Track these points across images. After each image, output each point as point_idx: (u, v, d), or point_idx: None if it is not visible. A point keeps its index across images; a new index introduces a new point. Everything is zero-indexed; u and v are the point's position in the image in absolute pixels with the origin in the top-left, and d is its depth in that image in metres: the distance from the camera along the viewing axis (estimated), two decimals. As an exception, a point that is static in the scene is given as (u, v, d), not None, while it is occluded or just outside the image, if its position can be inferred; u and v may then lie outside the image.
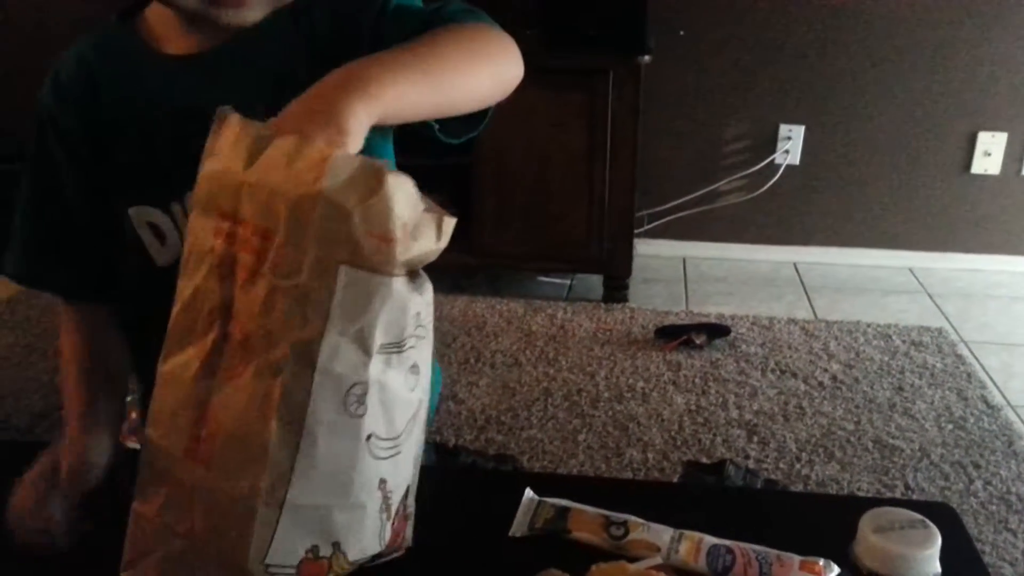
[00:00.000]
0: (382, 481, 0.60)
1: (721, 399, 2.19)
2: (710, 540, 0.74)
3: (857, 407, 2.17)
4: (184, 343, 0.58)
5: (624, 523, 0.75)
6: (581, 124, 2.57)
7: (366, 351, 0.56)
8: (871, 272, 3.06)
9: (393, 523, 0.63)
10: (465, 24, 0.80)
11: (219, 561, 0.56)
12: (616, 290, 2.80)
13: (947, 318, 2.72)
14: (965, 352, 2.48)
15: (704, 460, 1.90)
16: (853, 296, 2.88)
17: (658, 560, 0.67)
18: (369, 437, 0.58)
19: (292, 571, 0.58)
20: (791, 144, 3.02)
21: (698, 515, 0.77)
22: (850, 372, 2.34)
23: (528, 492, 0.81)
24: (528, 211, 2.68)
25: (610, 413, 2.12)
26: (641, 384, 2.27)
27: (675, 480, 1.78)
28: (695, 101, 3.02)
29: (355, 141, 0.60)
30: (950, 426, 2.09)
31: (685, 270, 3.10)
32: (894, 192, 3.05)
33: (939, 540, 0.54)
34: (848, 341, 2.52)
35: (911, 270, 3.08)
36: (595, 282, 2.83)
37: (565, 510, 0.78)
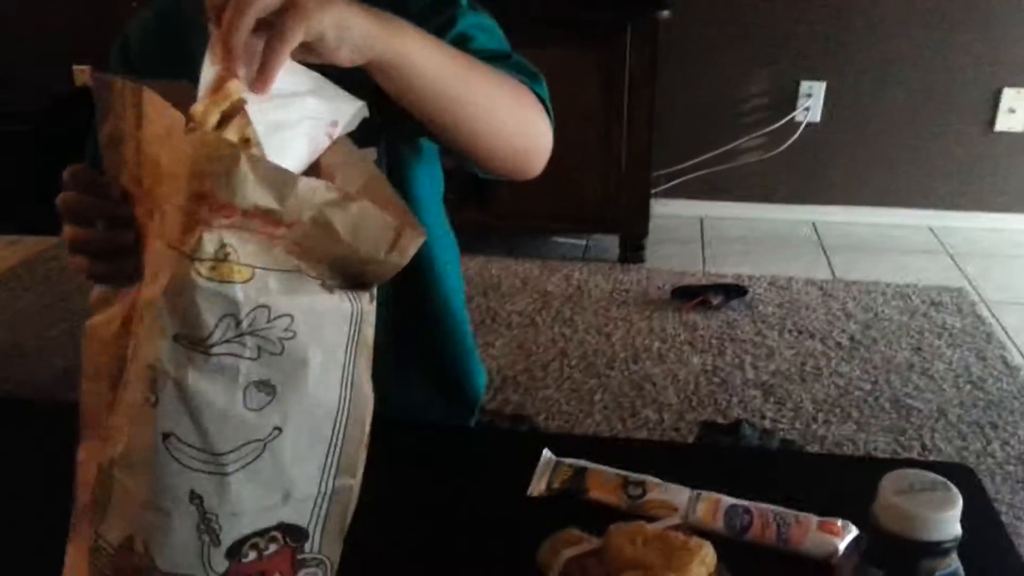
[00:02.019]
0: (196, 496, 0.54)
1: (737, 360, 2.19)
2: (728, 500, 0.74)
3: (875, 367, 2.16)
4: (112, 300, 0.59)
5: (642, 483, 0.76)
6: (597, 82, 2.54)
7: (159, 331, 0.52)
8: (891, 231, 3.03)
9: (243, 557, 0.57)
10: (516, 77, 0.79)
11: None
12: (632, 250, 2.78)
13: (967, 278, 2.69)
14: (985, 312, 2.46)
15: (720, 420, 1.91)
16: (872, 256, 2.86)
17: (676, 520, 0.67)
18: (167, 437, 0.53)
19: (112, 553, 0.57)
20: (811, 101, 2.97)
21: (715, 476, 0.77)
22: (868, 332, 2.33)
23: (546, 452, 0.81)
24: (544, 171, 2.65)
25: (626, 373, 2.13)
26: (657, 344, 2.26)
27: (691, 440, 1.79)
28: (714, 57, 2.97)
29: (308, 25, 0.56)
30: (968, 386, 2.08)
31: (702, 230, 3.08)
32: (916, 150, 3.00)
33: (960, 502, 0.53)
34: (867, 301, 2.51)
35: (931, 229, 3.04)
36: (611, 242, 2.82)
37: (583, 470, 0.78)
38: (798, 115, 2.99)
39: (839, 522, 0.71)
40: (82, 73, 3.14)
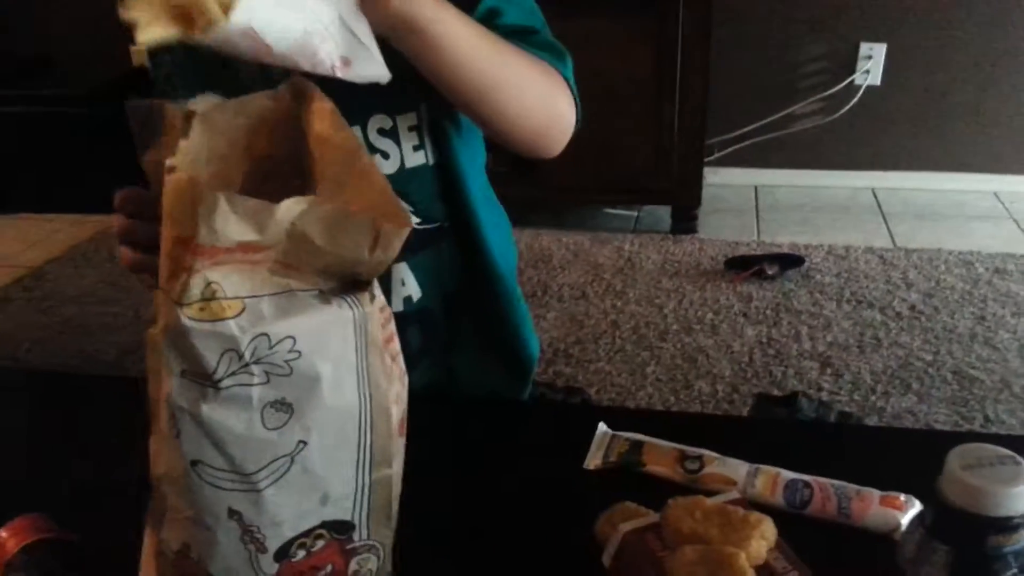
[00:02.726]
0: (234, 512, 0.56)
1: (793, 331, 2.16)
2: (787, 474, 0.73)
3: (936, 337, 2.11)
4: None
5: (699, 457, 0.75)
6: (649, 49, 2.50)
7: (167, 370, 0.53)
8: (954, 197, 2.94)
9: (291, 558, 0.59)
10: (541, 55, 0.80)
11: None
12: (685, 221, 2.75)
13: (1035, 244, 2.61)
14: (1053, 280, 2.38)
15: (775, 393, 1.88)
16: (934, 223, 2.78)
17: (735, 494, 0.67)
18: (195, 464, 0.54)
19: (172, 557, 0.59)
20: (872, 64, 2.88)
21: (773, 449, 0.76)
22: (929, 301, 2.27)
23: (601, 426, 0.81)
24: (593, 141, 2.63)
25: (679, 345, 2.11)
26: (710, 316, 2.24)
27: (745, 413, 1.77)
28: (769, 20, 2.89)
29: None
30: (1035, 357, 2.02)
31: (757, 199, 3.03)
32: (979, 113, 2.89)
33: (1031, 477, 0.52)
34: (928, 269, 2.44)
35: (996, 194, 2.94)
36: (663, 213, 2.79)
37: (639, 444, 0.78)
38: (857, 78, 2.90)
39: (902, 496, 0.70)
40: (138, 53, 3.19)
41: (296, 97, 0.64)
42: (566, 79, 0.84)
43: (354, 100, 0.72)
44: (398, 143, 0.86)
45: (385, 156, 0.86)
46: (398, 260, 0.88)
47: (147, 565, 0.62)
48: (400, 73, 0.71)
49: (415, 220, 0.92)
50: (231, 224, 0.51)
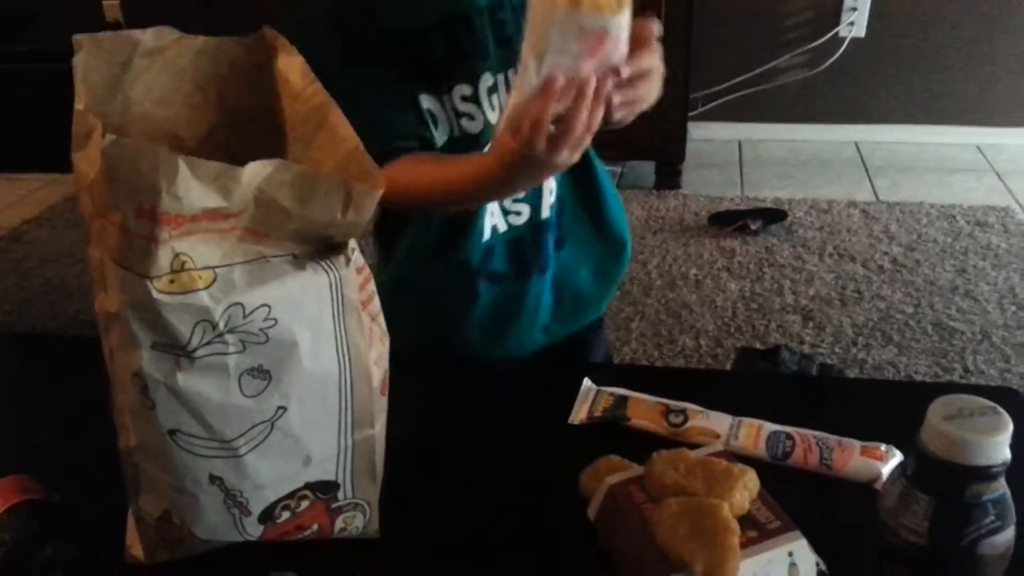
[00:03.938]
0: (215, 478, 0.56)
1: (776, 285, 2.17)
2: (770, 426, 0.74)
3: (917, 290, 2.12)
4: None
5: (683, 411, 0.76)
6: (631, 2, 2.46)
7: (134, 343, 0.52)
8: (937, 151, 2.94)
9: (276, 519, 0.60)
10: None
11: None
12: (669, 176, 2.74)
13: (1014, 196, 2.62)
14: (1033, 232, 2.40)
15: (758, 346, 1.90)
16: (917, 176, 2.78)
17: (718, 447, 0.67)
18: (173, 432, 0.54)
19: (153, 523, 0.59)
20: (856, 15, 2.85)
21: (756, 402, 0.77)
22: (911, 255, 2.29)
23: (586, 381, 0.82)
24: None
25: (663, 301, 2.12)
26: (694, 271, 2.25)
27: (728, 367, 1.79)
28: (753, -28, 2.86)
29: None
30: (1013, 308, 2.04)
31: (740, 153, 3.02)
32: (964, 65, 2.88)
33: (1010, 427, 0.53)
34: (910, 223, 2.45)
35: (979, 147, 2.95)
36: (647, 168, 2.78)
37: (623, 398, 0.78)
38: (842, 30, 2.88)
39: (882, 447, 0.71)
40: (111, 8, 3.12)
41: (267, 48, 0.62)
42: None
43: (518, 41, 0.82)
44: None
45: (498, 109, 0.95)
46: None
47: (132, 529, 0.63)
48: (507, 36, 0.91)
49: None
50: (194, 190, 0.49)
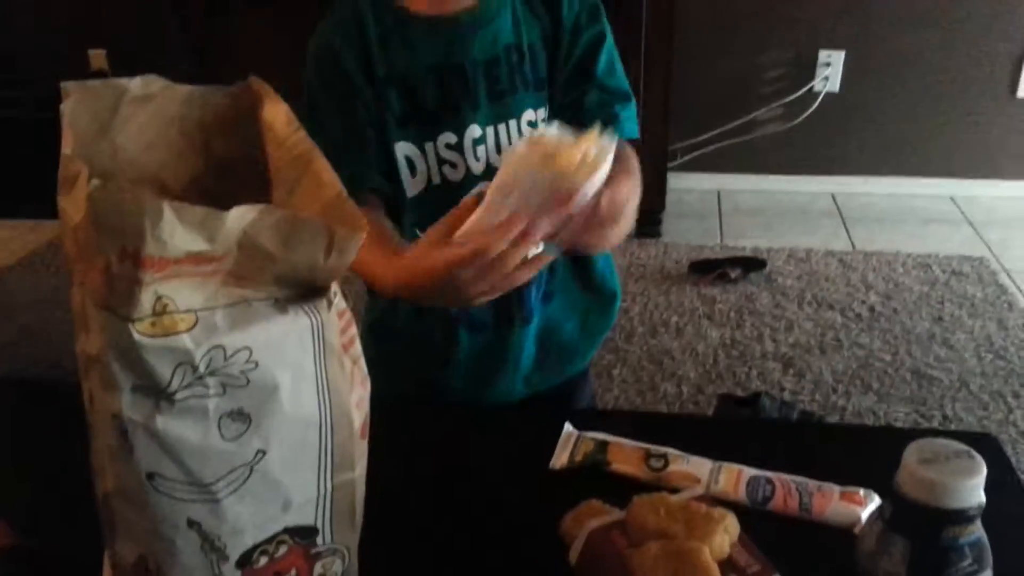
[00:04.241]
0: (193, 522, 0.55)
1: (756, 332, 2.18)
2: (750, 471, 0.74)
3: (895, 338, 2.15)
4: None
5: (664, 455, 0.76)
6: (613, 55, 2.52)
7: (113, 386, 0.51)
8: (911, 201, 3.00)
9: (254, 565, 0.58)
10: (631, 159, 0.97)
11: None
12: (649, 225, 2.77)
13: (989, 247, 2.66)
14: (1007, 281, 2.44)
15: (739, 393, 1.91)
16: (893, 226, 2.83)
17: (699, 491, 0.68)
18: (151, 476, 0.53)
19: (129, 569, 0.58)
20: (831, 71, 2.93)
21: (736, 448, 0.78)
22: (888, 303, 2.32)
23: (568, 426, 0.82)
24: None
25: (644, 348, 2.13)
26: (675, 319, 2.26)
27: (710, 413, 1.79)
28: (731, 27, 2.93)
29: None
30: (990, 356, 2.06)
31: (720, 203, 3.06)
32: (937, 118, 2.96)
33: (984, 470, 0.53)
34: (887, 272, 2.49)
35: (953, 198, 3.01)
36: (628, 217, 2.81)
37: (604, 443, 0.79)
38: (817, 84, 2.95)
39: (861, 491, 0.71)
40: (97, 57, 3.15)
41: (252, 97, 0.64)
42: (624, 119, 1.01)
43: (512, 98, 0.97)
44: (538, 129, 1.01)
45: None
46: None
47: (108, 573, 0.62)
48: (542, 78, 0.99)
49: None
50: (179, 234, 0.49)
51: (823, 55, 2.92)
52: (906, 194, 3.03)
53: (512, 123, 0.98)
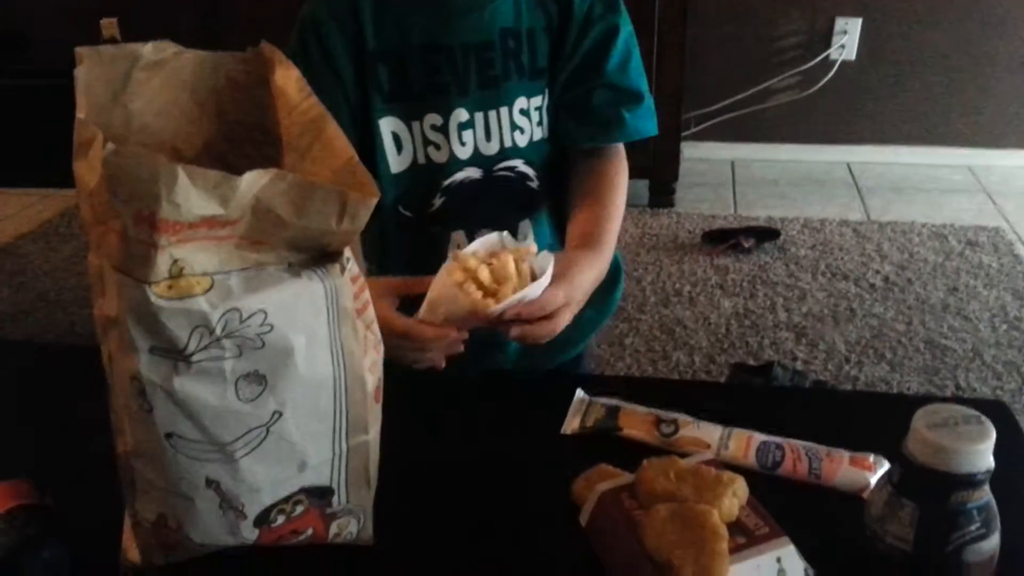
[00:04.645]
0: (211, 481, 0.57)
1: (769, 302, 2.18)
2: (760, 436, 0.74)
3: (909, 308, 2.14)
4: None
5: (674, 421, 0.77)
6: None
7: (132, 347, 0.53)
8: (928, 171, 2.97)
9: (271, 523, 0.60)
10: (622, 169, 1.02)
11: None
12: (662, 195, 2.76)
13: (1005, 217, 2.64)
14: (1022, 251, 2.42)
15: (751, 362, 1.91)
16: (909, 196, 2.81)
17: (708, 456, 0.68)
18: (170, 436, 0.55)
19: (149, 527, 0.60)
20: (847, 39, 2.89)
21: (747, 414, 0.78)
22: (903, 273, 2.30)
23: (579, 392, 0.82)
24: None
25: (656, 317, 2.13)
26: (688, 288, 2.26)
27: (722, 383, 1.79)
28: (746, -6, 2.89)
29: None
30: (1004, 326, 2.05)
31: (734, 173, 3.04)
32: (954, 87, 2.92)
33: (994, 435, 0.54)
34: (902, 242, 2.47)
35: (970, 168, 2.97)
36: (641, 187, 2.80)
37: (615, 409, 0.79)
38: (833, 53, 2.91)
39: (871, 457, 0.71)
40: (109, 26, 3.14)
41: (265, 62, 0.64)
42: (630, 119, 0.99)
43: (505, 85, 0.94)
44: (530, 120, 0.99)
45: (522, 131, 0.99)
46: (523, 218, 1.03)
47: (128, 534, 0.63)
48: (540, 67, 0.96)
49: (535, 184, 1.03)
50: (193, 198, 0.50)
51: (839, 22, 2.88)
52: (922, 164, 3.00)
53: (504, 111, 0.97)
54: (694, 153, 3.03)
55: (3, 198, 3.01)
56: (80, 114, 0.53)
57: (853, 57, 2.92)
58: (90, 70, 0.57)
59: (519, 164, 1.00)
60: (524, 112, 0.98)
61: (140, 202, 0.50)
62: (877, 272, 2.31)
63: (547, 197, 1.05)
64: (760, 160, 3.08)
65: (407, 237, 1.01)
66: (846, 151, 3.05)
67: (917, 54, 2.89)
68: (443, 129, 0.96)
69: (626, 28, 1.00)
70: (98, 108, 0.57)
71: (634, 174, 3.12)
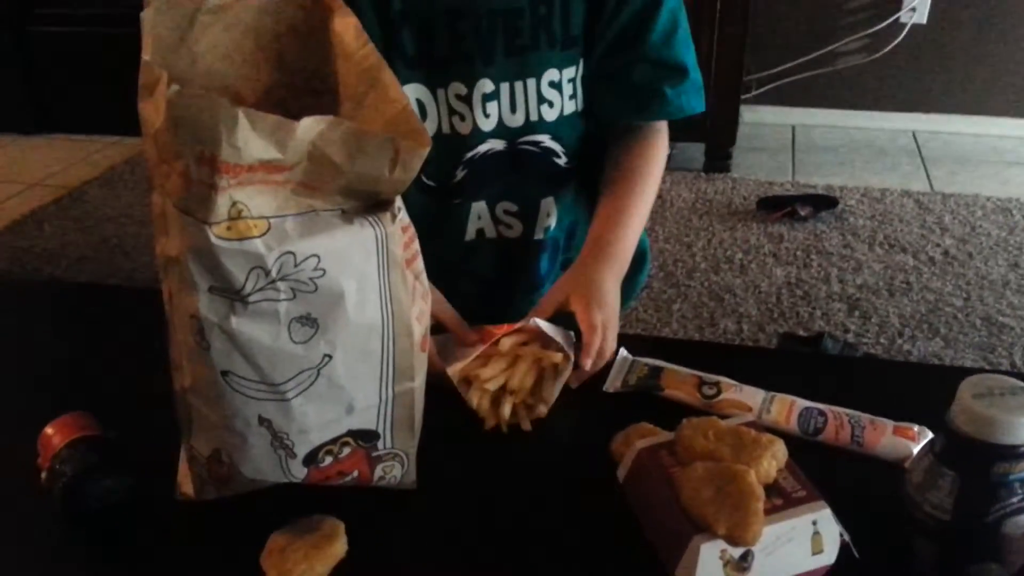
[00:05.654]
0: (264, 420, 0.59)
1: (823, 272, 2.15)
2: (803, 403, 0.74)
3: (968, 283, 2.09)
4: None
5: (717, 383, 0.77)
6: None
7: (192, 286, 0.54)
8: (996, 142, 2.87)
9: (319, 463, 0.62)
10: (660, 150, 0.99)
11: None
12: (718, 159, 2.72)
13: (1077, 193, 2.55)
14: (1093, 229, 2.34)
15: (801, 333, 1.89)
16: (974, 167, 2.72)
17: (750, 418, 0.68)
18: (225, 374, 0.57)
19: (204, 462, 0.62)
20: (919, 2, 2.79)
21: (792, 381, 0.78)
22: (964, 247, 2.24)
23: (622, 351, 0.83)
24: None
25: (705, 284, 2.11)
26: (740, 256, 2.23)
27: (770, 350, 1.78)
28: (815, -46, 2.80)
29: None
30: (1068, 306, 1.99)
31: (794, 138, 2.98)
32: (1031, 55, 2.80)
33: (1042, 409, 0.53)
34: (964, 215, 2.40)
35: (1042, 141, 2.87)
36: (696, 150, 2.76)
37: (658, 369, 0.80)
38: (903, 16, 2.81)
39: (915, 427, 0.71)
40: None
41: (324, 9, 0.64)
42: (671, 97, 0.96)
43: (534, 55, 0.90)
44: (561, 93, 0.94)
45: (551, 105, 0.94)
46: (546, 194, 1.00)
47: (184, 467, 0.66)
48: (574, 36, 0.91)
49: (563, 160, 0.99)
50: (252, 141, 0.51)
51: (913, -16, 2.78)
52: (991, 134, 2.89)
53: (531, 82, 0.93)
54: (753, 117, 2.97)
55: (69, 144, 3.09)
56: (146, 55, 0.55)
57: (924, 20, 2.81)
58: (156, 13, 0.59)
59: (546, 139, 0.96)
60: (555, 84, 0.94)
61: (202, 143, 0.51)
62: (937, 245, 2.26)
63: (576, 175, 1.02)
64: (822, 126, 3.01)
65: (429, 205, 0.98)
66: (912, 119, 2.96)
67: (990, 20, 2.77)
68: (467, 99, 0.92)
69: (672, 1, 0.95)
70: (163, 50, 0.59)
71: (690, 137, 3.07)
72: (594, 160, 1.01)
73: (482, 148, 0.95)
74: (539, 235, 1.02)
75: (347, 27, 0.63)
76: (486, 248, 1.02)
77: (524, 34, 0.90)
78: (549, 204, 1.01)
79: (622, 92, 0.96)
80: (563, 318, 0.82)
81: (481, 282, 1.03)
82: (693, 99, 0.97)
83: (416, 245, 0.63)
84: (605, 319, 0.80)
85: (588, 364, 0.77)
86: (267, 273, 0.54)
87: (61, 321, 0.98)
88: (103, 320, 0.95)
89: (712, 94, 2.66)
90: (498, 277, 1.03)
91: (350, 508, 0.65)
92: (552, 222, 1.02)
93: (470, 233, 1.00)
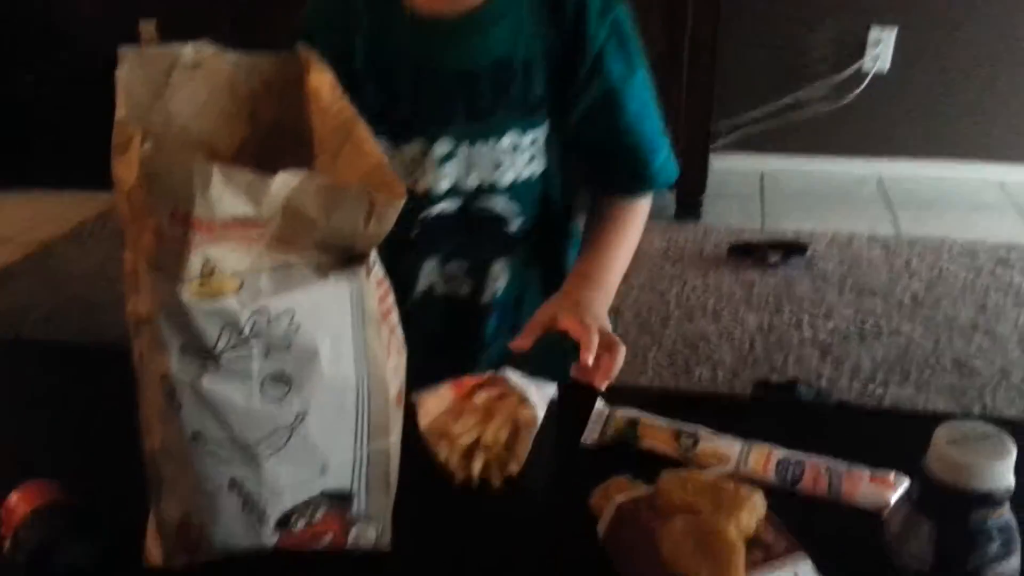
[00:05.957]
0: (235, 483, 0.58)
1: (795, 318, 2.17)
2: (780, 452, 0.74)
3: (937, 327, 2.11)
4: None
5: (694, 434, 0.77)
6: (656, 30, 2.48)
7: (163, 346, 0.54)
8: (960, 186, 2.93)
9: (292, 527, 0.61)
10: (641, 209, 1.01)
11: None
12: (689, 206, 2.75)
13: (1038, 235, 2.60)
14: (1056, 271, 2.38)
15: (775, 379, 1.90)
16: (940, 212, 2.78)
17: (728, 469, 0.68)
18: (196, 435, 0.56)
19: (173, 527, 0.61)
20: (881, 49, 2.87)
21: (768, 429, 0.78)
22: (932, 291, 2.28)
23: (599, 402, 0.83)
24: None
25: (680, 331, 2.12)
26: (712, 302, 2.25)
27: (746, 397, 1.78)
28: (778, 2, 2.88)
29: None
30: (1035, 347, 2.02)
31: (762, 185, 3.02)
32: (989, 101, 2.88)
33: (1014, 452, 0.53)
34: (931, 259, 2.44)
35: (1002, 185, 2.93)
36: (667, 198, 2.79)
37: (635, 420, 0.79)
38: (866, 64, 2.89)
39: (892, 475, 0.71)
40: (148, 31, 3.19)
41: (299, 64, 0.65)
42: (654, 173, 0.99)
43: (494, 117, 0.89)
44: (521, 157, 0.94)
45: (508, 168, 0.94)
46: (497, 256, 1.00)
47: (152, 533, 0.64)
48: (536, 99, 0.91)
49: (515, 227, 0.99)
50: (226, 197, 0.51)
51: (874, 32, 2.86)
52: (955, 179, 2.96)
53: (490, 144, 0.92)
54: (723, 165, 3.01)
55: (40, 200, 3.06)
56: (120, 113, 0.55)
57: (887, 68, 2.89)
58: (132, 70, 0.59)
59: (501, 202, 0.96)
60: (516, 147, 0.93)
61: (176, 200, 0.51)
62: (905, 289, 2.29)
63: (529, 239, 1.01)
64: (790, 172, 3.06)
65: (382, 259, 0.96)
66: (877, 165, 3.02)
67: (951, 68, 2.86)
68: (425, 158, 0.93)
69: (642, 66, 0.96)
70: (138, 107, 0.59)
71: (660, 186, 2.99)
72: (550, 225, 1.01)
73: (435, 209, 0.96)
74: (487, 298, 1.02)
75: (323, 82, 0.63)
76: (436, 305, 1.01)
77: (484, 97, 0.91)
78: (499, 267, 1.01)
79: (606, 168, 0.98)
80: (553, 340, 0.82)
81: (429, 338, 1.01)
82: (670, 168, 1.00)
83: (391, 299, 0.63)
84: (592, 316, 0.82)
85: (589, 359, 0.78)
86: (240, 331, 0.54)
87: (25, 382, 0.96)
88: (70, 380, 0.93)
89: (682, 143, 2.71)
90: (446, 334, 1.03)
91: (323, 574, 0.63)
92: (501, 285, 1.02)
93: (421, 287, 1.01)
